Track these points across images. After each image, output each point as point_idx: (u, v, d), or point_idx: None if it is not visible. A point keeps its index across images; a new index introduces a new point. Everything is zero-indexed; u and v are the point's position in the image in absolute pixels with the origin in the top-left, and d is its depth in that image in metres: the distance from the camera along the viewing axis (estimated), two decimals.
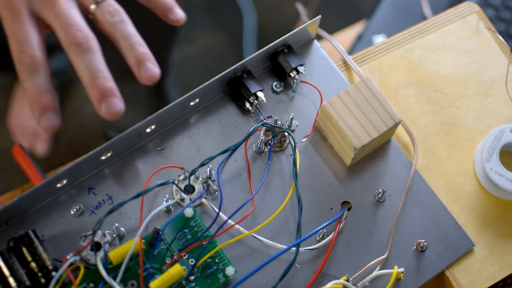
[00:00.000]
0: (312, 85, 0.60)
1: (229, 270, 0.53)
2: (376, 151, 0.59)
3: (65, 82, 1.44)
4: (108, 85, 0.48)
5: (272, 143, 0.57)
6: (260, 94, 0.58)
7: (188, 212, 0.54)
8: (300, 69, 0.59)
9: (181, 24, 0.51)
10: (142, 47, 0.50)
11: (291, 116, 0.58)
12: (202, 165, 0.54)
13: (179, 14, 0.52)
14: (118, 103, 0.48)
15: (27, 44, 0.48)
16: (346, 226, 0.56)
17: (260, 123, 0.57)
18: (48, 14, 0.49)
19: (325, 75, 0.61)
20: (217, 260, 0.53)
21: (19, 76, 0.48)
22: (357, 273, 0.55)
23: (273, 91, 0.60)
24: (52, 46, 1.34)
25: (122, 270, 0.50)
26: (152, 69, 0.49)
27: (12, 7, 0.48)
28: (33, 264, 0.50)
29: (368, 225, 0.57)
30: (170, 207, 0.55)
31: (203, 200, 0.55)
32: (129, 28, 0.50)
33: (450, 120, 0.63)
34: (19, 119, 1.39)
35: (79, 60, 0.48)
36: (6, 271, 0.49)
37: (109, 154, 0.55)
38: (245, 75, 0.58)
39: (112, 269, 0.51)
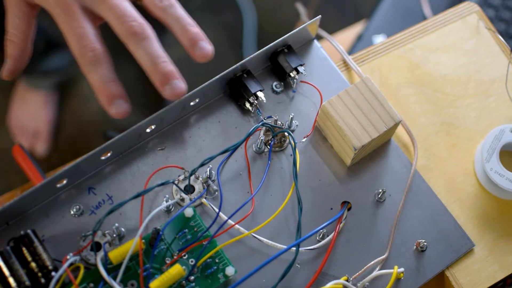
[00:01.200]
0: (312, 85, 0.60)
1: (229, 270, 0.53)
2: (376, 151, 0.59)
3: (65, 81, 1.44)
4: (169, 68, 0.51)
5: (272, 143, 0.57)
6: (260, 94, 0.58)
7: (188, 212, 0.54)
8: (300, 69, 0.59)
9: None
10: (193, 28, 0.52)
11: (291, 116, 0.58)
12: (202, 165, 0.54)
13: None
14: (180, 84, 0.51)
15: (87, 38, 0.50)
16: (346, 226, 0.56)
17: (260, 123, 0.57)
18: (100, 8, 0.51)
19: (325, 75, 0.61)
20: (217, 260, 0.53)
21: (82, 69, 0.51)
22: (357, 273, 0.55)
23: (273, 91, 0.60)
24: (51, 45, 1.33)
25: (122, 270, 0.50)
26: (206, 47, 0.52)
27: (65, 4, 0.50)
28: (33, 264, 0.50)
29: (368, 225, 0.57)
30: (170, 207, 0.55)
31: (203, 200, 0.55)
32: (179, 11, 0.52)
33: (450, 120, 0.63)
34: (19, 119, 1.39)
35: (138, 49, 0.50)
36: (6, 271, 0.49)
37: (109, 154, 0.55)
38: (245, 75, 0.58)
39: (112, 269, 0.51)
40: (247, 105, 0.58)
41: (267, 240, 0.54)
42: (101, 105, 0.51)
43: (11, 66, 0.54)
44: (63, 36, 0.51)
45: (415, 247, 0.56)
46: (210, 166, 0.55)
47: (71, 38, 0.50)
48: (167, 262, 0.52)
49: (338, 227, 0.56)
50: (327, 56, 0.62)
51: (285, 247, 0.53)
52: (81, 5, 0.51)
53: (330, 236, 0.55)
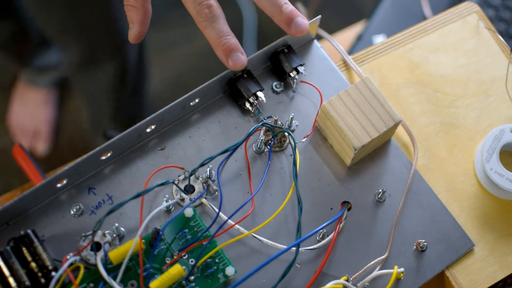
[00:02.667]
0: (312, 85, 0.60)
1: (229, 270, 0.53)
2: (376, 151, 0.59)
3: (65, 80, 1.44)
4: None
5: (272, 143, 0.57)
6: (260, 94, 0.58)
7: (188, 212, 0.54)
8: (300, 69, 0.59)
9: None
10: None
11: (291, 116, 0.58)
12: (202, 165, 0.54)
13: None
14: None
15: None
16: (346, 226, 0.56)
17: (260, 123, 0.57)
18: None
19: (325, 75, 0.61)
20: (217, 260, 0.53)
21: (199, 26, 0.55)
22: (357, 273, 0.55)
23: (273, 91, 0.60)
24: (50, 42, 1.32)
25: (122, 270, 0.50)
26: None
27: None
28: (33, 264, 0.50)
29: (368, 225, 0.57)
30: (170, 207, 0.55)
31: (203, 200, 0.55)
32: None
33: (450, 120, 0.63)
34: (19, 119, 1.39)
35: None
36: (6, 271, 0.49)
37: (109, 154, 0.55)
38: (245, 75, 0.58)
39: (112, 269, 0.51)
40: (247, 105, 0.58)
41: (267, 240, 0.54)
42: (219, 58, 0.55)
43: (137, 31, 0.56)
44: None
45: (415, 247, 0.56)
46: (210, 166, 0.55)
47: None
48: (167, 262, 0.52)
49: (338, 227, 0.56)
50: (327, 56, 0.62)
51: (285, 247, 0.53)
52: None
53: (330, 236, 0.55)
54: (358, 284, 0.54)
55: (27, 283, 0.49)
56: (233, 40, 0.55)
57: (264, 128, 0.57)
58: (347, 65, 0.64)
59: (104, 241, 0.52)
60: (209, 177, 0.56)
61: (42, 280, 0.49)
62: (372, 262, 0.55)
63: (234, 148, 0.56)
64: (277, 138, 0.58)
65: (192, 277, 0.52)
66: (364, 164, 0.59)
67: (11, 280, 0.49)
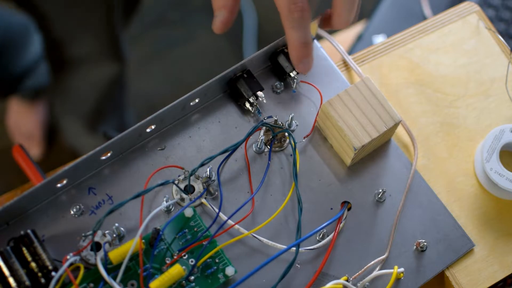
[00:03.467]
0: (312, 85, 0.60)
1: (229, 270, 0.53)
2: (376, 151, 0.59)
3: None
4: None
5: (272, 143, 0.57)
6: (260, 94, 0.58)
7: (188, 212, 0.54)
8: None
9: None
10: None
11: (291, 116, 0.58)
12: (202, 165, 0.54)
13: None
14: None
15: None
16: (346, 226, 0.56)
17: (260, 123, 0.57)
18: None
19: (325, 75, 0.61)
20: (217, 260, 0.53)
21: (285, 22, 0.53)
22: (357, 273, 0.55)
23: (273, 91, 0.60)
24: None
25: (122, 270, 0.50)
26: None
27: None
28: (33, 264, 0.50)
29: (368, 225, 0.57)
30: (170, 207, 0.55)
31: (203, 200, 0.55)
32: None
33: (450, 120, 0.63)
34: (14, 122, 1.39)
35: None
36: (6, 271, 0.49)
37: (109, 154, 0.55)
38: (245, 75, 0.58)
39: (112, 269, 0.51)
40: (247, 105, 0.58)
41: (267, 240, 0.54)
42: (290, 57, 0.55)
43: (224, 18, 0.53)
44: None
45: (415, 247, 0.56)
46: (210, 166, 0.55)
47: None
48: (167, 262, 0.52)
49: (338, 227, 0.56)
50: (327, 56, 0.62)
51: (285, 247, 0.53)
52: None
53: (330, 236, 0.55)
54: (358, 284, 0.54)
55: (27, 283, 0.49)
56: (311, 48, 0.55)
57: (264, 128, 0.57)
58: (347, 65, 0.64)
59: (104, 241, 0.52)
60: (209, 177, 0.56)
61: (42, 280, 0.49)
62: (372, 262, 0.55)
63: (234, 148, 0.56)
64: (277, 138, 0.58)
65: (192, 277, 0.52)
66: (364, 164, 0.59)
67: (11, 280, 0.49)
